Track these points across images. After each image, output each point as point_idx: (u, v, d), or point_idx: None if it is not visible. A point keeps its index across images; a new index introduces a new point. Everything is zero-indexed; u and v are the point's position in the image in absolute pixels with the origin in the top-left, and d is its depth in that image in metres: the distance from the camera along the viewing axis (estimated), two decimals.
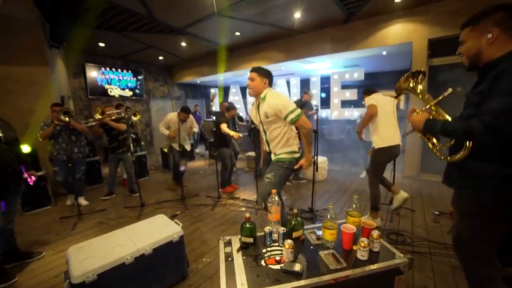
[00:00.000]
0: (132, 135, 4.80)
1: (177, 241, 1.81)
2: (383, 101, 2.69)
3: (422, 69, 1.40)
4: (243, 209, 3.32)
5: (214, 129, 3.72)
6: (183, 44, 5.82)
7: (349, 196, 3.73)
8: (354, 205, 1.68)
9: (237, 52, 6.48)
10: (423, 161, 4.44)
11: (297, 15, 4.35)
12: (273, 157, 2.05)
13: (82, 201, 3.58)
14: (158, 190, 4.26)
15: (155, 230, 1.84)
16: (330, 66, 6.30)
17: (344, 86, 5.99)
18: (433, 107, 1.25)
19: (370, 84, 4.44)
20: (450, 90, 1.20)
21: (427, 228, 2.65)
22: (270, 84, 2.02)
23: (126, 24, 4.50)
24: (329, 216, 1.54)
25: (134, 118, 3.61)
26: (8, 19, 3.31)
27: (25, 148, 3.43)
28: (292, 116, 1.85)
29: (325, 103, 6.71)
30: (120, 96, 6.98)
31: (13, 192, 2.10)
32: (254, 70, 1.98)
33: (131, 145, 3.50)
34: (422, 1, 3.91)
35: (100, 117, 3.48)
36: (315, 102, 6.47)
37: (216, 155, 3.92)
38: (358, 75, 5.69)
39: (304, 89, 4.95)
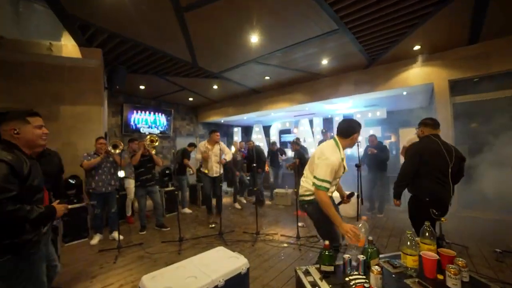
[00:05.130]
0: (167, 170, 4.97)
1: (245, 273, 1.77)
2: None
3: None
4: (285, 245, 3.20)
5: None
6: (215, 87, 6.40)
7: (390, 232, 3.58)
8: (426, 233, 1.66)
9: (263, 94, 7.00)
10: (459, 197, 4.26)
11: (324, 61, 4.83)
12: None
13: (116, 235, 3.52)
14: (191, 225, 4.19)
15: (221, 261, 1.81)
16: (351, 106, 6.64)
17: (367, 124, 6.20)
18: None
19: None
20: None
21: (492, 267, 2.46)
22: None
23: (170, 70, 5.09)
24: (408, 243, 1.52)
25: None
26: (82, 69, 3.89)
27: (74, 179, 3.61)
28: None
29: None
30: (150, 133, 7.41)
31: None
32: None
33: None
34: (437, 48, 4.31)
35: (149, 143, 3.80)
36: None
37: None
38: (380, 113, 5.93)
39: (322, 129, 5.25)
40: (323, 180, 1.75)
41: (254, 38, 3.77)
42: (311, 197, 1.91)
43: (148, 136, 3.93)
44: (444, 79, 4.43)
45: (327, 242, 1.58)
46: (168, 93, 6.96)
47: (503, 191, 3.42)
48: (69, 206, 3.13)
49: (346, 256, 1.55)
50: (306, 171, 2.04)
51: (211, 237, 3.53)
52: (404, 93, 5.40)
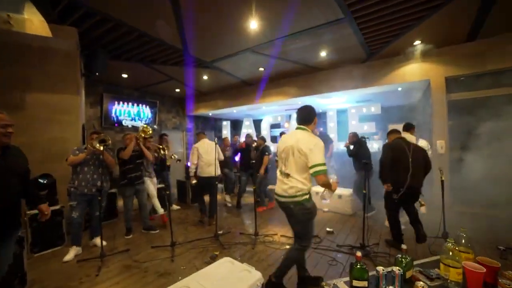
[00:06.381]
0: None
1: None
2: None
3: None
4: (287, 246, 3.00)
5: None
6: (205, 77, 5.99)
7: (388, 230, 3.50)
8: (463, 240, 1.52)
9: (256, 87, 6.69)
10: (453, 192, 4.32)
11: (323, 53, 4.63)
12: None
13: (98, 241, 3.11)
14: (182, 226, 3.88)
15: (232, 277, 1.56)
16: (344, 100, 6.55)
17: (361, 120, 6.15)
18: None
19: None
20: None
21: None
22: None
23: (158, 57, 4.63)
24: (450, 253, 1.36)
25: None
26: (53, 51, 3.36)
27: (46, 178, 3.14)
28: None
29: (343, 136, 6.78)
30: (133, 126, 6.86)
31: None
32: None
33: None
34: (436, 44, 4.25)
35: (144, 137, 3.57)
36: (333, 135, 6.55)
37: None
38: (375, 109, 5.90)
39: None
40: (323, 164, 1.79)
41: (254, 24, 3.45)
42: (303, 198, 1.86)
43: (141, 128, 3.60)
44: (441, 76, 4.42)
45: (359, 254, 1.38)
46: (154, 83, 6.44)
47: (498, 187, 3.46)
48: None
49: (380, 268, 1.36)
50: (290, 170, 1.92)
51: (206, 240, 3.25)
52: (399, 89, 5.37)
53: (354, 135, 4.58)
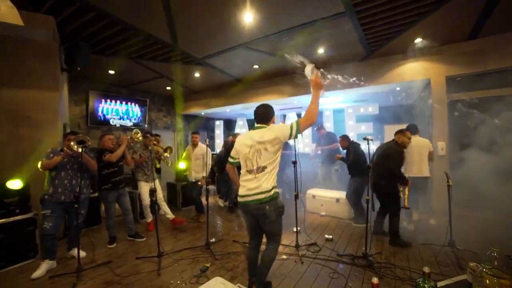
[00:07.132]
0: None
1: None
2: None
3: None
4: (284, 256, 2.79)
5: None
6: (197, 74, 5.72)
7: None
8: (496, 261, 1.31)
9: (249, 85, 6.45)
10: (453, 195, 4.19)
11: (320, 50, 4.43)
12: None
13: (75, 252, 2.80)
14: (171, 233, 3.61)
15: None
16: (341, 100, 6.38)
17: (358, 120, 6.00)
18: None
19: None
20: None
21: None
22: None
23: (145, 52, 4.34)
24: (488, 282, 1.14)
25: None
26: (26, 42, 3.04)
27: (16, 183, 2.82)
28: None
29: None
30: (121, 125, 6.52)
31: None
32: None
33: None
34: (437, 42, 4.10)
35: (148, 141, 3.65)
36: None
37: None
38: (372, 109, 5.75)
39: (318, 125, 5.13)
40: (297, 121, 1.83)
41: (249, 17, 3.22)
42: (273, 193, 1.85)
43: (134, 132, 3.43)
44: (441, 75, 4.28)
45: (375, 281, 1.17)
46: (143, 80, 6.12)
47: (501, 190, 3.33)
48: (11, 219, 2.37)
49: None
50: (265, 163, 1.86)
51: (196, 249, 2.99)
52: (398, 88, 5.24)
53: (344, 138, 4.12)
